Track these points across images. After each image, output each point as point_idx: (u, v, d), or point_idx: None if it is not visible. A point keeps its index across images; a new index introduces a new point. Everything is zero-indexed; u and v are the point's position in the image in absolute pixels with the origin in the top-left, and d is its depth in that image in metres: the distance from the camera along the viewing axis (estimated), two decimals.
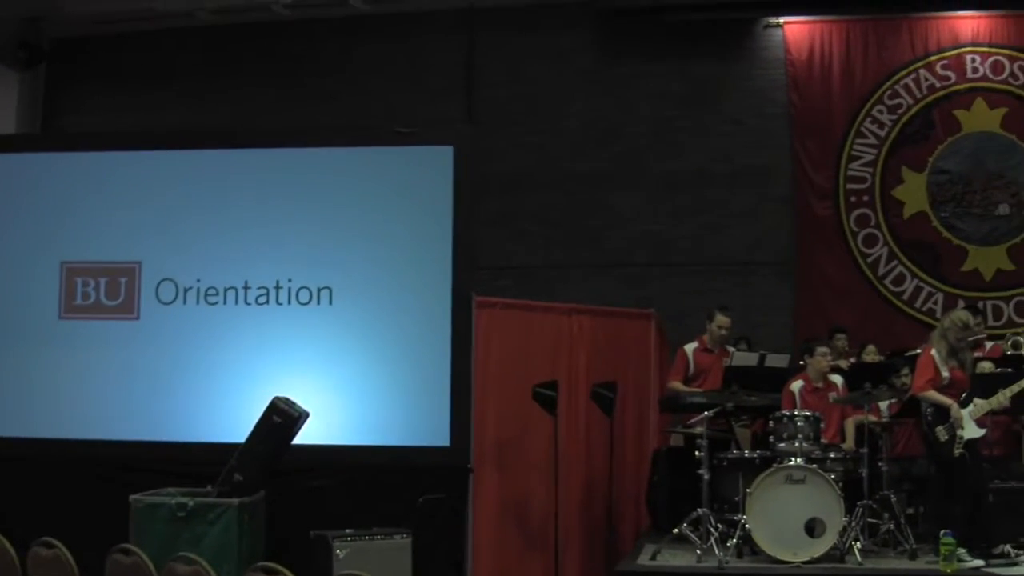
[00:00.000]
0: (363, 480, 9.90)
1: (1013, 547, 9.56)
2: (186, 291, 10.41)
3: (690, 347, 11.69)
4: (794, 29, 16.21)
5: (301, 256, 10.33)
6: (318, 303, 10.27)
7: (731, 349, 11.99)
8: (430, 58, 16.80)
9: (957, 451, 9.47)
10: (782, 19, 16.22)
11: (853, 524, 9.51)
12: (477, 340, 10.11)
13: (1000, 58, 15.81)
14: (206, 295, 10.38)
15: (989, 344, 12.44)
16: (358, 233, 10.32)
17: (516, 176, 16.29)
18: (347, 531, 9.25)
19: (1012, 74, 15.76)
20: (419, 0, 16.44)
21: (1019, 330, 14.08)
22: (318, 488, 9.91)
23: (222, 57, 17.10)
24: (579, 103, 16.52)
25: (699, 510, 9.78)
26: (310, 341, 10.21)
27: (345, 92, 16.72)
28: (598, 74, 16.54)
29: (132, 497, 8.90)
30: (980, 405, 9.60)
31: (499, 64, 16.71)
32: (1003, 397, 9.67)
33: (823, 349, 10.91)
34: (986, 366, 10.90)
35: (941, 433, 9.56)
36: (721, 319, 11.65)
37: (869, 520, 9.75)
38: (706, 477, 9.85)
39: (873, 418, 10.29)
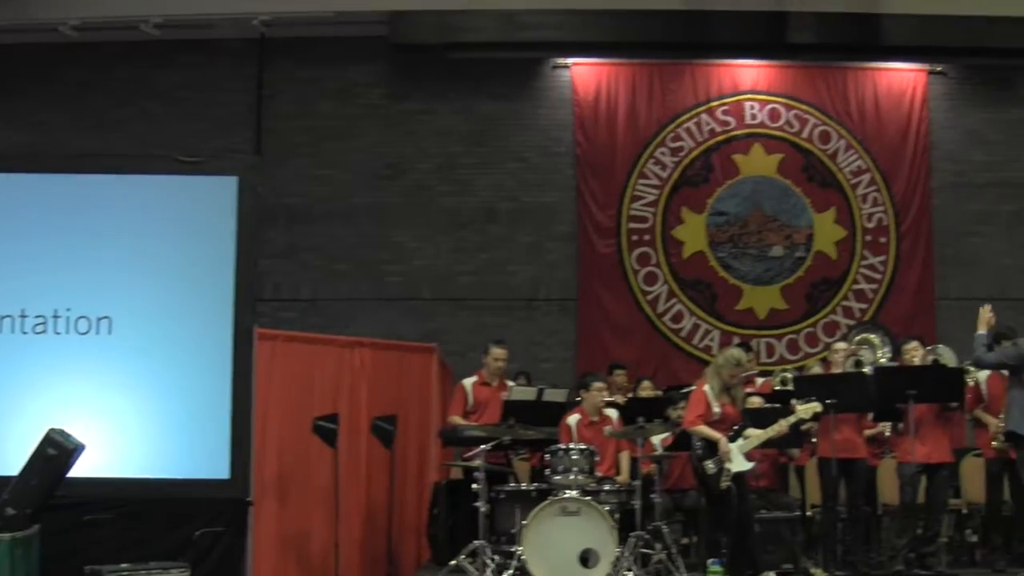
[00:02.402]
0: (140, 514, 9.66)
1: (777, 574, 9.96)
2: None
3: (468, 381, 11.82)
4: (581, 71, 16.59)
5: (80, 285, 9.99)
6: (97, 333, 9.98)
7: (510, 384, 12.17)
8: (220, 87, 16.71)
9: (724, 483, 9.83)
10: (570, 60, 16.57)
11: (626, 554, 9.71)
12: (258, 372, 9.99)
13: (777, 106, 16.46)
14: None
15: (760, 380, 12.91)
16: (140, 263, 10.05)
17: (303, 208, 16.32)
18: (123, 565, 9.04)
19: (788, 122, 16.41)
20: (211, 28, 16.29)
21: (788, 367, 14.65)
22: (94, 522, 9.65)
23: (5, 78, 16.67)
24: (368, 137, 16.63)
25: (476, 542, 9.90)
26: (88, 372, 9.91)
27: (133, 119, 16.49)
28: (387, 109, 16.69)
29: None
30: (749, 440, 9.99)
31: (289, 96, 16.72)
32: (771, 432, 10.04)
33: (599, 384, 11.20)
34: (756, 401, 11.30)
35: (709, 466, 9.90)
36: (496, 351, 11.81)
37: (642, 551, 9.97)
38: (483, 509, 9.96)
39: (644, 468, 10.58)
